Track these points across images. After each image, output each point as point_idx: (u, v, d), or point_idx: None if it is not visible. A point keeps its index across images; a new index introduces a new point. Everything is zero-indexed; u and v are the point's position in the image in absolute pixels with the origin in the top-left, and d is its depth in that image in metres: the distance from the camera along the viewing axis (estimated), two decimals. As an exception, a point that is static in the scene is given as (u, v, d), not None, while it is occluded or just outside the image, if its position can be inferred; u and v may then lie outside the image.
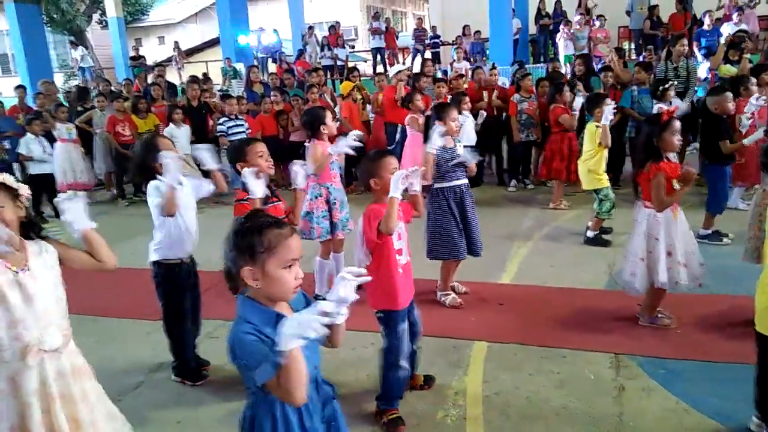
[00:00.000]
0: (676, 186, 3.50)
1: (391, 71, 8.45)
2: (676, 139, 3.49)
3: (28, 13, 15.52)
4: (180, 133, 7.89)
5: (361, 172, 2.97)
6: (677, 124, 3.50)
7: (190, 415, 3.14)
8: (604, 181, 5.42)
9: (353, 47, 16.90)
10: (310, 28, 17.47)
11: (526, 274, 4.82)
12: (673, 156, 3.62)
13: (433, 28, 19.17)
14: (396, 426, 2.86)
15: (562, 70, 10.75)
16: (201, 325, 3.60)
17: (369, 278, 1.64)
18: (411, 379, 3.15)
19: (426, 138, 4.24)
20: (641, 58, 11.66)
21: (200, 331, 3.60)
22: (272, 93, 8.98)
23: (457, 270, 4.41)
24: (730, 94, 5.14)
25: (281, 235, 1.67)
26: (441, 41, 18.37)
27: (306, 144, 4.46)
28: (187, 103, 8.62)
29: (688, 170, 3.42)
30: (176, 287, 3.31)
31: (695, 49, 10.59)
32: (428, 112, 6.20)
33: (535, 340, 3.65)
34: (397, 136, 7.88)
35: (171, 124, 7.94)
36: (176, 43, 19.86)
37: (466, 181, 4.22)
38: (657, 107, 6.13)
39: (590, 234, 5.40)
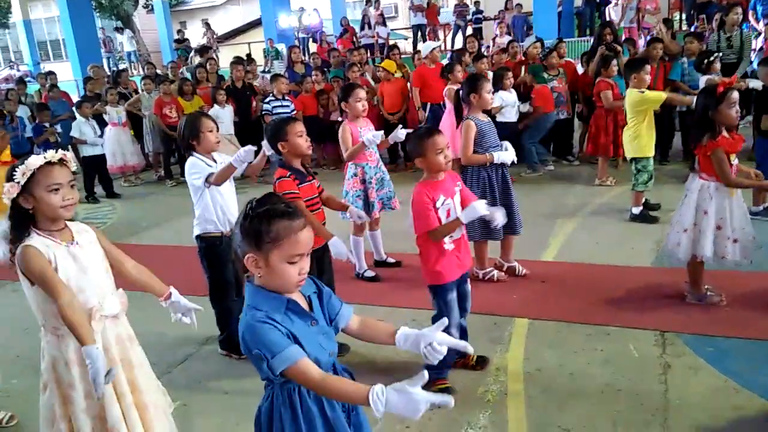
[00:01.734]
0: (734, 161, 3.39)
1: (423, 49, 8.26)
2: (734, 112, 3.34)
3: (79, -1, 15.93)
4: (224, 113, 8.05)
5: (410, 149, 2.95)
6: (735, 95, 3.34)
7: (237, 386, 3.23)
8: (648, 151, 5.16)
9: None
10: (368, 1, 17.30)
11: (570, 251, 4.75)
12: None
13: (476, 3, 18.81)
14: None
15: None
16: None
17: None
18: (464, 358, 3.15)
19: (458, 112, 4.20)
20: (693, 29, 11.19)
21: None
22: (313, 73, 9.01)
23: (498, 246, 4.38)
24: None
25: (291, 228, 1.56)
26: (483, 16, 18.03)
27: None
28: (231, 84, 8.75)
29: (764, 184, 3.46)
30: (219, 260, 3.39)
31: (751, 18, 10.09)
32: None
33: (579, 318, 3.61)
34: (427, 113, 7.80)
35: (215, 105, 8.09)
36: (207, 24, 19.93)
37: None
38: (704, 80, 5.91)
39: (635, 210, 5.27)
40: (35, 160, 2.05)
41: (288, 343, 1.55)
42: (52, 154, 2.10)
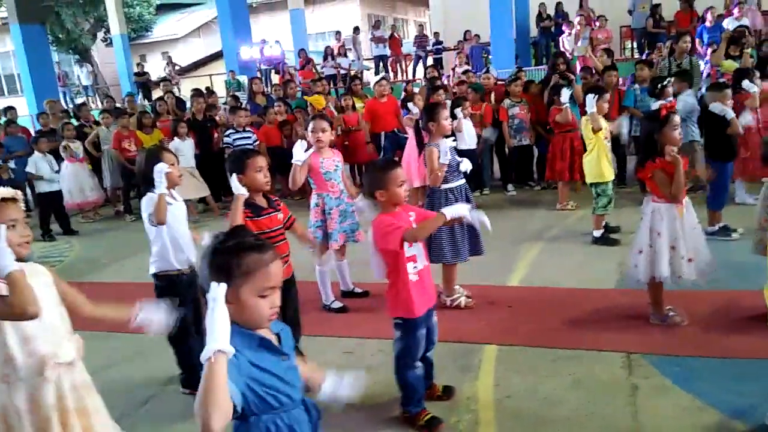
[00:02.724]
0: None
1: (372, 81, 8.45)
2: (677, 133, 3.50)
3: (33, 33, 15.68)
4: (185, 146, 7.95)
5: (367, 182, 2.88)
6: (677, 118, 3.53)
7: (202, 427, 3.12)
8: (606, 176, 5.31)
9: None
10: (356, 29, 17.51)
11: (535, 276, 4.79)
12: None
13: (436, 34, 19.22)
14: (437, 425, 2.85)
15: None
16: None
17: None
18: (429, 389, 3.11)
19: (420, 142, 4.26)
20: (645, 56, 11.62)
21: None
22: (276, 104, 9.01)
23: (464, 273, 4.39)
24: (729, 91, 5.13)
25: (261, 260, 1.55)
26: (443, 47, 18.42)
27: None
28: (192, 117, 8.67)
29: (674, 156, 3.43)
30: (176, 298, 3.29)
31: (698, 46, 10.54)
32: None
33: (546, 342, 3.62)
34: (383, 142, 7.93)
35: (176, 138, 8.00)
36: (169, 57, 19.84)
37: (464, 181, 4.22)
38: (657, 104, 6.11)
39: (597, 233, 5.37)
40: None
41: (233, 380, 1.46)
42: (5, 191, 2.03)
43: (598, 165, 5.28)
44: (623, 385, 3.10)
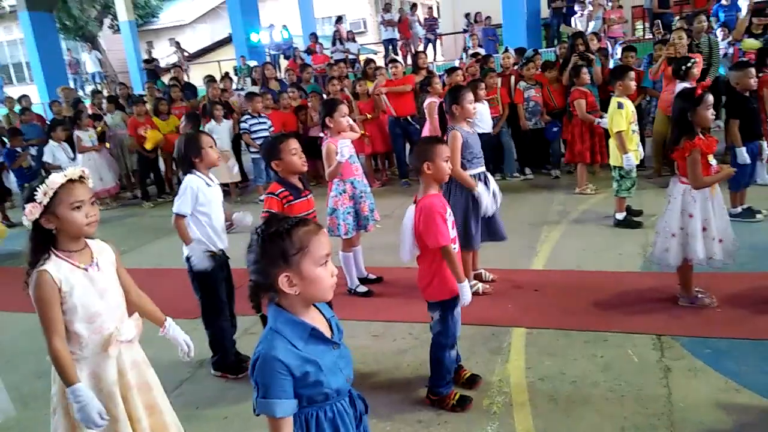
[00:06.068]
0: (713, 161, 3.47)
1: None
2: (710, 114, 3.48)
3: (42, 21, 15.68)
4: (221, 129, 7.95)
5: (416, 155, 2.89)
6: (710, 98, 3.49)
7: (236, 410, 3.16)
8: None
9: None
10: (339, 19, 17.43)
11: (558, 259, 4.78)
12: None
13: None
14: (467, 403, 2.89)
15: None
16: (236, 321, 3.63)
17: None
18: (457, 373, 3.12)
19: (443, 125, 4.22)
20: (659, 37, 11.46)
21: (236, 327, 3.62)
22: (289, 89, 8.98)
23: (488, 257, 4.39)
24: (752, 70, 5.05)
25: (310, 231, 1.57)
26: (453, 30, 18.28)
27: (322, 135, 4.48)
28: (208, 102, 8.66)
29: (728, 172, 3.50)
30: (211, 279, 3.34)
31: (714, 25, 10.39)
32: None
33: (575, 325, 3.63)
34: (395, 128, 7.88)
35: (212, 121, 8.00)
36: (177, 43, 19.72)
37: (483, 168, 4.18)
38: (681, 86, 6.04)
39: (619, 216, 5.34)
40: (56, 179, 2.01)
41: (287, 396, 1.54)
42: (72, 172, 2.06)
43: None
44: (655, 366, 3.11)
